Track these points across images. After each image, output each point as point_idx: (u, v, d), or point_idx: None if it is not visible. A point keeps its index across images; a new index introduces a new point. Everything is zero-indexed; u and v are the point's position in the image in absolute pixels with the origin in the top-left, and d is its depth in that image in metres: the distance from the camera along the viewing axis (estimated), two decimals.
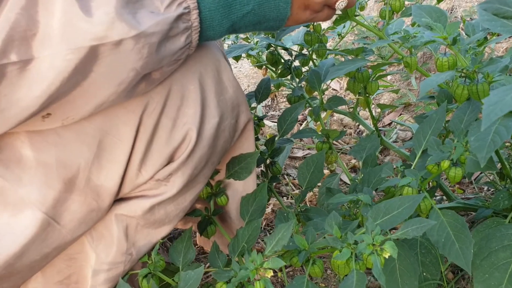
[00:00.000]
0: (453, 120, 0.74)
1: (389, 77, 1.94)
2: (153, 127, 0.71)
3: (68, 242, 0.72)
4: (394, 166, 0.88)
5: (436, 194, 1.34)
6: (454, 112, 0.75)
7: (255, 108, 1.04)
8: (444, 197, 1.21)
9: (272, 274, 0.64)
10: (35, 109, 0.59)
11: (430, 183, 0.98)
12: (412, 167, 0.81)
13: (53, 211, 0.68)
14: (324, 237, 0.71)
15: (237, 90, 0.79)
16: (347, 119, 1.82)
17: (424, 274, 0.89)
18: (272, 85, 1.16)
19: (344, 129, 1.79)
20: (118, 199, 0.74)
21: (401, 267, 0.76)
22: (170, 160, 0.73)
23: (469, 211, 1.15)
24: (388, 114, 1.82)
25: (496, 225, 0.85)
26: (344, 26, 1.32)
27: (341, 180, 1.55)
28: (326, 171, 1.57)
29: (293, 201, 1.39)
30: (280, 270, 0.88)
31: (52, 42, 0.56)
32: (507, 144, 1.15)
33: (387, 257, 0.62)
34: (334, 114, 1.86)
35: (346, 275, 0.69)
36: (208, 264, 0.91)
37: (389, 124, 1.77)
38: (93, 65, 0.59)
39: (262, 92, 1.05)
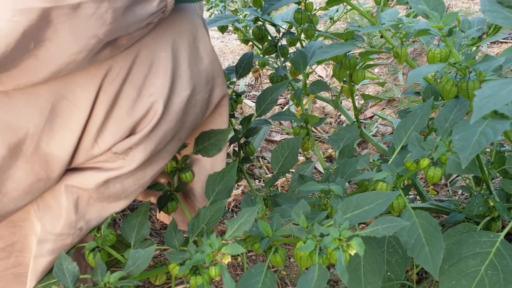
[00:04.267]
0: (438, 118, 0.70)
1: (376, 70, 1.90)
2: (115, 94, 0.64)
3: (10, 211, 0.66)
4: (371, 160, 0.84)
5: (409, 193, 1.32)
6: (440, 110, 0.71)
7: (234, 83, 0.99)
8: (418, 197, 1.19)
9: (229, 260, 0.60)
10: None
11: (406, 181, 0.95)
12: (389, 162, 0.78)
13: None
14: (291, 225, 0.67)
15: (214, 62, 0.73)
16: (329, 108, 1.79)
17: (389, 273, 0.86)
18: (256, 61, 1.11)
19: (325, 117, 1.76)
20: (70, 169, 0.68)
21: (366, 265, 0.73)
22: (131, 133, 0.67)
23: (441, 213, 1.12)
24: (371, 107, 1.78)
25: (468, 231, 0.82)
26: (337, 10, 1.27)
27: (315, 168, 1.51)
28: (301, 158, 1.53)
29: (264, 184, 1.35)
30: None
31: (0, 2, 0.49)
32: (487, 150, 1.12)
33: (352, 254, 0.58)
34: (317, 101, 1.83)
35: (307, 268, 0.65)
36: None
37: (371, 117, 1.74)
38: (46, 31, 0.52)
39: (243, 66, 0.99)
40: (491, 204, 0.89)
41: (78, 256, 0.76)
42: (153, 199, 0.84)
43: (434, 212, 1.15)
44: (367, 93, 1.80)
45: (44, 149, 0.63)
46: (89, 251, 0.67)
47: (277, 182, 1.38)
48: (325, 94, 1.87)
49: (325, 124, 1.73)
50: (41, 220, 0.68)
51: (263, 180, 1.39)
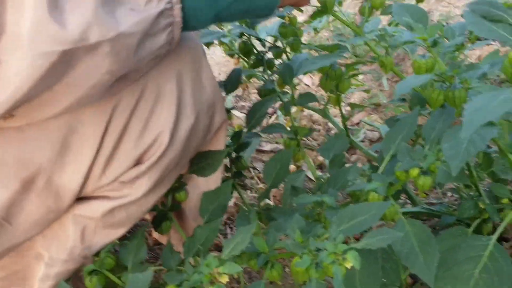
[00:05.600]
0: (426, 127, 0.71)
1: (360, 77, 1.92)
2: (123, 127, 0.65)
3: (20, 243, 0.67)
4: (361, 168, 0.85)
5: (400, 197, 1.33)
6: (428, 119, 0.72)
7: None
8: (408, 201, 1.20)
9: (227, 279, 0.60)
10: None
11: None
12: (380, 172, 0.78)
13: (6, 211, 0.62)
14: (286, 238, 0.67)
15: (215, 89, 0.74)
16: (316, 115, 1.80)
17: (384, 280, 0.87)
18: (243, 75, 1.12)
19: (313, 126, 1.77)
20: (78, 199, 0.69)
21: (361, 275, 0.73)
22: (138, 162, 0.68)
23: (432, 217, 1.14)
24: (357, 113, 1.80)
25: (461, 235, 0.83)
26: (320, 21, 1.28)
27: (306, 176, 1.52)
28: (292, 166, 1.53)
29: (257, 195, 1.36)
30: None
31: (20, 44, 0.50)
32: None
33: (349, 267, 0.59)
34: (304, 109, 1.84)
35: (304, 282, 0.65)
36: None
37: (358, 124, 1.75)
38: (66, 69, 0.53)
39: (232, 82, 1.00)
40: (482, 206, 0.91)
41: (75, 280, 0.76)
42: (147, 216, 0.84)
43: (425, 216, 1.17)
44: (352, 99, 1.82)
45: (56, 182, 0.64)
46: (87, 273, 0.67)
47: (268, 195, 1.38)
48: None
49: (314, 132, 1.74)
50: (47, 250, 0.68)
51: (255, 191, 1.40)
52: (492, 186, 0.82)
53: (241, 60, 1.28)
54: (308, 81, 2.00)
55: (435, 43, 0.66)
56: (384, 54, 0.89)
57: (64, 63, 0.52)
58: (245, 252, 0.72)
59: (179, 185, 0.80)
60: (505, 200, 0.79)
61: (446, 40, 0.85)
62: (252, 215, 0.79)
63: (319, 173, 1.34)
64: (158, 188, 0.72)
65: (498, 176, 0.96)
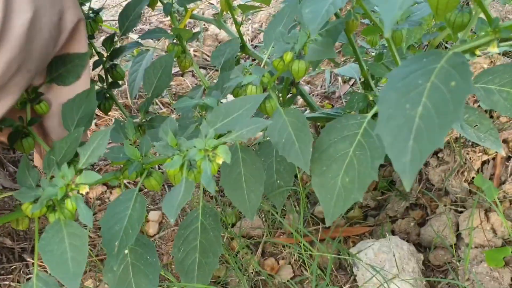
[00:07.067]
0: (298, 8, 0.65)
1: None
2: None
3: None
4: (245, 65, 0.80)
5: (303, 107, 1.31)
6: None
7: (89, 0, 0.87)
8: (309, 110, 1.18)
9: (87, 189, 0.54)
10: None
11: (291, 90, 0.92)
12: (262, 65, 0.73)
13: None
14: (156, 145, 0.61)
15: None
16: (223, 34, 1.71)
17: (278, 181, 0.85)
18: None
19: (219, 44, 1.68)
20: None
21: (246, 173, 0.70)
22: None
23: (331, 120, 1.12)
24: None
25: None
26: None
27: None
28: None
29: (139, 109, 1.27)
30: (119, 186, 0.78)
31: None
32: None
33: (220, 162, 0.54)
34: (209, 28, 1.74)
35: None
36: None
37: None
38: None
39: None
40: (370, 98, 0.89)
41: None
42: (2, 138, 0.74)
43: (325, 120, 1.15)
44: (259, 15, 1.74)
45: None
46: None
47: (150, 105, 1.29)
48: (207, 14, 1.79)
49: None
50: None
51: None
52: (370, 66, 0.79)
53: None
54: None
55: None
56: None
57: None
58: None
59: (35, 95, 0.70)
60: (383, 80, 0.77)
61: None
62: (128, 124, 0.72)
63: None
64: (4, 97, 0.62)
65: (388, 69, 0.95)
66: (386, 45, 1.00)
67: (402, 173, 0.37)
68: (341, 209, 0.60)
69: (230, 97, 0.80)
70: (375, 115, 0.64)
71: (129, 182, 1.11)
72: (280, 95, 0.86)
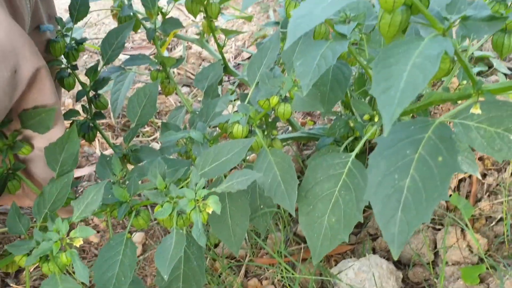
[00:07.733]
0: (286, 52, 0.67)
1: (250, 10, 1.84)
2: None
3: None
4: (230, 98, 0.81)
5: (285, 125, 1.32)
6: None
7: (71, 29, 0.87)
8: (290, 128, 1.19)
9: (81, 242, 0.54)
10: None
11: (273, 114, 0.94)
12: (246, 102, 0.75)
13: None
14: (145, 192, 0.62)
15: (11, 33, 0.61)
16: (206, 52, 1.70)
17: (262, 206, 0.87)
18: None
19: (203, 63, 1.68)
20: None
21: (232, 207, 0.72)
22: None
23: (313, 140, 1.14)
24: (248, 47, 1.73)
25: (327, 153, 0.82)
26: None
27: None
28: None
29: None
30: (106, 220, 0.78)
31: None
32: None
33: (210, 212, 0.56)
34: (192, 46, 1.74)
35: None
36: None
37: (249, 58, 1.69)
38: None
39: (78, 8, 0.87)
40: (351, 124, 0.92)
41: None
42: None
43: (306, 140, 1.17)
44: (241, 36, 1.75)
45: None
46: None
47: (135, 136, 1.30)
48: (192, 34, 1.78)
49: (200, 68, 1.66)
50: None
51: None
52: (352, 102, 0.81)
53: None
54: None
55: None
56: None
57: None
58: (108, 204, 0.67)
59: (14, 143, 0.69)
60: (366, 116, 0.80)
61: None
62: (113, 160, 0.72)
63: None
64: None
65: (370, 95, 0.97)
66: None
67: (390, 243, 0.39)
68: (327, 248, 0.62)
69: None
70: (357, 155, 0.66)
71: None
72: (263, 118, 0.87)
